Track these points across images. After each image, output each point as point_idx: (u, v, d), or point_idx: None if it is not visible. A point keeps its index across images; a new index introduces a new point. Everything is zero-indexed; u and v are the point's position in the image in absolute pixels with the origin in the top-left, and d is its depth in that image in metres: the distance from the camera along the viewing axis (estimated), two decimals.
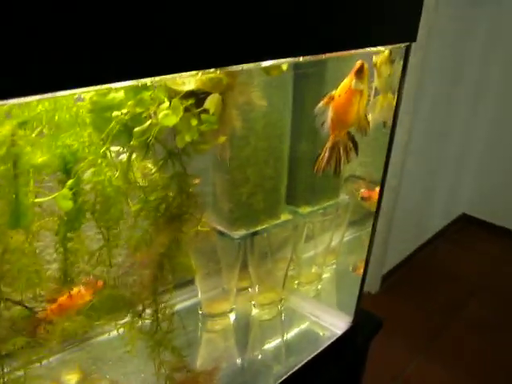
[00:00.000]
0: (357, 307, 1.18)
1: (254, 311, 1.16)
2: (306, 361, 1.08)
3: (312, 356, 1.09)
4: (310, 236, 1.21)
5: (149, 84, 0.64)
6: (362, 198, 1.24)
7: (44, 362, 0.76)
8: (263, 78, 0.86)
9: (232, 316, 1.12)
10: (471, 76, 2.96)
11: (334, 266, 1.31)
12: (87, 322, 0.81)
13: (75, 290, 0.73)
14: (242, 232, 1.01)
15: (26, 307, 0.70)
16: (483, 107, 3.22)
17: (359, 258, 1.26)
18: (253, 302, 1.16)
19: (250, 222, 1.02)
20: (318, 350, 1.11)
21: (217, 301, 1.10)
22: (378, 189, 1.24)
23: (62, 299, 0.73)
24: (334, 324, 1.19)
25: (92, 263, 0.76)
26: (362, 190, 1.24)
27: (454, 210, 3.51)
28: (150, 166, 0.73)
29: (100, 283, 0.76)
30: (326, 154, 0.90)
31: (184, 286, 1.08)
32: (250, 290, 1.16)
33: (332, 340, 1.14)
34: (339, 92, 0.85)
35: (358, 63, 0.84)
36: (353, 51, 0.85)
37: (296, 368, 1.05)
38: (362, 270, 1.18)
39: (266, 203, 1.02)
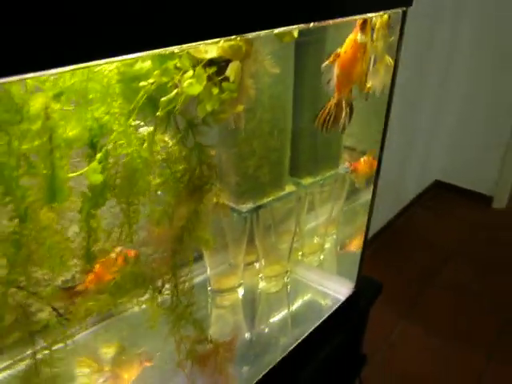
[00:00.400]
0: (359, 273, 1.21)
1: (262, 284, 1.17)
2: (313, 327, 1.11)
3: (319, 322, 1.12)
4: (311, 207, 1.22)
5: (175, 52, 0.64)
6: (348, 171, 1.25)
7: (71, 340, 0.75)
8: (269, 48, 0.87)
9: (240, 291, 1.13)
10: (443, 49, 3.01)
11: (335, 236, 1.33)
12: (111, 299, 0.80)
13: (108, 259, 0.73)
14: (249, 205, 1.02)
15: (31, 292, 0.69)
16: (455, 74, 3.29)
17: (356, 227, 1.29)
18: (260, 276, 1.17)
19: (257, 194, 1.03)
20: (324, 317, 1.14)
21: (225, 276, 1.11)
22: (363, 159, 1.26)
23: (97, 269, 0.72)
24: (338, 291, 1.22)
25: (114, 240, 0.76)
26: (347, 163, 1.25)
27: (428, 178, 3.59)
28: (167, 138, 0.73)
29: (131, 252, 0.75)
30: (332, 112, 0.91)
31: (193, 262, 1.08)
32: (256, 264, 1.17)
33: (337, 306, 1.18)
34: (345, 48, 0.87)
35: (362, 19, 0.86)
36: (352, 17, 0.86)
37: (305, 335, 1.08)
38: (362, 237, 1.20)
39: (272, 175, 1.03)
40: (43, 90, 0.56)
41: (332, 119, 0.92)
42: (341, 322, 1.19)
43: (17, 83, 0.53)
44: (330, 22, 0.81)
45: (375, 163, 1.22)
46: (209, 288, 1.10)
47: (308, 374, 1.08)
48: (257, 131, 0.97)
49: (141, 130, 0.69)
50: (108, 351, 0.91)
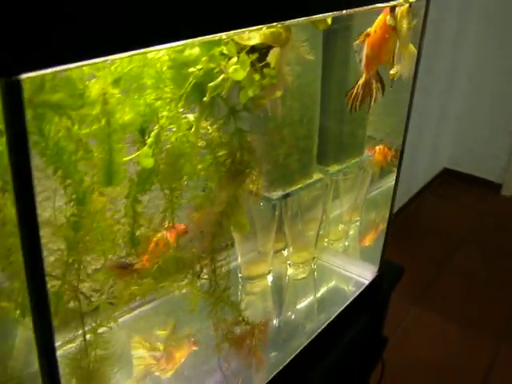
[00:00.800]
0: (382, 257, 1.24)
1: (290, 271, 1.19)
2: (339, 311, 1.15)
3: (344, 306, 1.16)
4: (336, 195, 1.24)
5: (222, 39, 0.66)
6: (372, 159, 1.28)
7: (116, 323, 0.77)
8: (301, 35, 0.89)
9: (270, 277, 1.15)
10: (451, 30, 3.02)
11: (358, 223, 1.35)
12: (153, 284, 0.83)
13: (160, 236, 0.75)
14: (279, 193, 1.04)
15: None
16: (463, 61, 3.30)
17: (377, 213, 1.31)
18: (288, 262, 1.19)
19: (286, 182, 1.05)
20: (349, 300, 1.18)
21: (255, 263, 1.13)
22: (378, 148, 1.28)
23: (151, 247, 0.74)
24: (363, 275, 1.26)
25: (157, 225, 0.78)
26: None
27: (437, 165, 3.60)
28: (209, 124, 0.75)
29: (182, 226, 0.77)
30: (360, 91, 0.93)
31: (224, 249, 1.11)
32: (283, 251, 1.19)
33: (361, 289, 1.22)
34: (374, 27, 0.88)
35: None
36: (377, 5, 0.88)
37: (331, 319, 1.12)
38: (385, 224, 1.22)
39: (300, 163, 1.05)
40: (98, 76, 0.58)
41: (360, 98, 0.94)
42: (365, 305, 1.22)
43: (76, 70, 0.55)
44: (361, 8, 0.84)
45: (389, 153, 1.25)
46: (239, 275, 1.12)
47: (334, 356, 1.10)
48: (287, 119, 0.99)
49: (187, 115, 0.71)
50: (157, 332, 0.93)
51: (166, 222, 0.77)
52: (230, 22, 0.59)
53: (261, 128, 0.98)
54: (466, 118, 3.47)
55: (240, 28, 0.62)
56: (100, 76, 0.57)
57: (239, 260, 1.11)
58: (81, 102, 0.55)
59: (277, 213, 1.08)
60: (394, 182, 1.21)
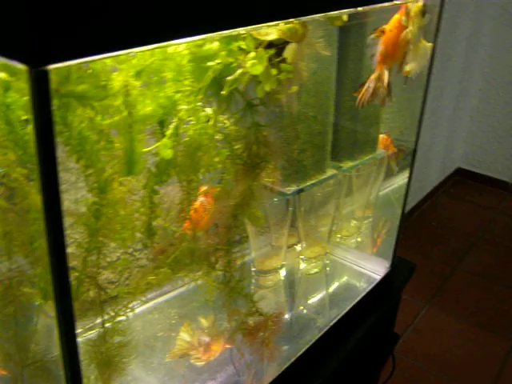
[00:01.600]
0: (394, 253, 1.25)
1: (302, 265, 1.21)
2: (351, 306, 1.16)
3: (356, 301, 1.18)
4: (348, 191, 1.26)
5: (240, 34, 0.67)
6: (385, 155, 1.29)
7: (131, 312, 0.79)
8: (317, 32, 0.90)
9: (282, 271, 1.16)
10: (465, 29, 3.01)
11: (371, 220, 1.37)
12: (170, 274, 0.84)
13: (197, 203, 0.77)
14: (292, 188, 1.05)
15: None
16: (477, 61, 3.29)
17: (392, 211, 1.32)
18: (301, 257, 1.20)
19: (300, 178, 1.06)
20: (361, 295, 1.19)
21: (268, 258, 1.14)
22: (381, 137, 1.28)
23: (193, 215, 0.76)
24: (375, 270, 1.27)
25: (174, 217, 0.80)
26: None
27: (450, 165, 3.60)
28: (224, 118, 0.77)
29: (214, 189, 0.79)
30: (371, 85, 0.94)
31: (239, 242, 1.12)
32: (296, 246, 1.21)
33: (373, 284, 1.24)
34: (390, 26, 0.90)
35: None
36: (391, 3, 0.89)
37: (343, 313, 1.14)
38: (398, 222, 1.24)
39: (314, 159, 1.06)
40: (121, 69, 0.60)
41: (370, 94, 0.95)
42: (377, 300, 1.24)
43: (99, 62, 0.57)
44: (378, 5, 0.85)
45: (392, 145, 1.26)
46: (252, 269, 1.14)
47: (345, 351, 1.11)
48: (302, 115, 1.00)
49: (206, 108, 0.73)
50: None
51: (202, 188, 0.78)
52: (249, 17, 0.61)
53: (276, 123, 0.99)
54: (480, 117, 3.45)
55: (259, 23, 0.64)
56: (122, 68, 0.59)
57: (252, 254, 1.12)
58: (104, 93, 0.57)
59: (291, 208, 1.09)
60: (406, 179, 1.22)
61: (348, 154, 1.16)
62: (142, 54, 0.60)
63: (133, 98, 0.60)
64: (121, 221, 0.69)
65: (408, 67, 1.01)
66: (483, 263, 2.70)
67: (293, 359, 1.01)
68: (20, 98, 0.57)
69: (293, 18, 0.68)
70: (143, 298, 0.81)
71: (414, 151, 1.19)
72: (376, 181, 1.27)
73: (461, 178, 3.62)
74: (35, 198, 0.62)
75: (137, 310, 0.83)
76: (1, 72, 0.58)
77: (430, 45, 1.01)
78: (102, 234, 0.66)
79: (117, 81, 0.58)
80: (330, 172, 1.11)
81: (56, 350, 0.58)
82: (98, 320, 0.74)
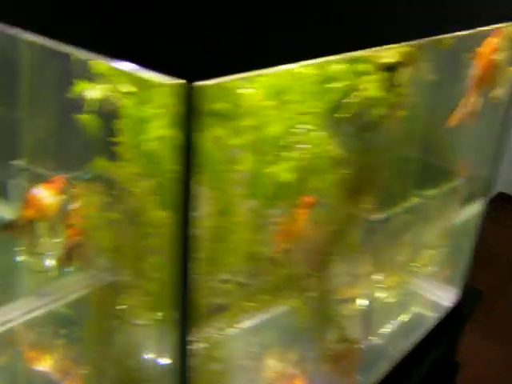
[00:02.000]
0: (465, 282, 1.28)
1: (378, 294, 1.18)
2: (424, 334, 1.16)
3: (430, 329, 1.17)
4: (427, 219, 1.23)
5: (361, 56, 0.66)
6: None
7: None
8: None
9: (360, 300, 1.14)
10: None
11: (446, 248, 1.34)
12: (267, 301, 0.83)
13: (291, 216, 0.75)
14: (379, 215, 1.03)
15: None
16: None
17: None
18: (379, 285, 1.17)
19: (386, 205, 1.04)
20: (433, 324, 1.19)
21: (347, 286, 1.12)
22: None
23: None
24: (446, 299, 1.27)
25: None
26: None
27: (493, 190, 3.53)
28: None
29: (311, 199, 0.76)
30: (465, 109, 0.93)
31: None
32: (374, 274, 1.18)
33: (445, 311, 1.24)
34: (486, 49, 0.89)
35: None
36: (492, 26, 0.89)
37: (415, 343, 1.13)
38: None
39: (401, 185, 1.04)
40: (254, 88, 0.59)
41: (464, 115, 0.94)
42: (446, 328, 1.23)
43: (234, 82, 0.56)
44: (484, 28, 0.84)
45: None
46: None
47: (415, 380, 1.09)
48: (402, 141, 0.98)
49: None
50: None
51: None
52: (374, 39, 0.60)
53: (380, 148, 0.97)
54: None
55: (382, 45, 0.63)
56: (256, 88, 0.58)
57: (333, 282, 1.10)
58: (241, 111, 0.57)
59: (376, 236, 1.07)
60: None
61: (430, 182, 1.14)
62: (270, 75, 0.59)
63: (265, 119, 0.59)
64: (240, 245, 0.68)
65: (496, 92, 0.99)
66: None
67: None
68: (157, 112, 0.56)
69: (415, 39, 0.67)
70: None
71: (493, 179, 1.17)
72: (454, 209, 1.24)
73: (503, 202, 3.53)
74: (154, 213, 0.61)
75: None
76: (127, 85, 0.58)
77: None
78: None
79: (252, 100, 0.57)
80: (413, 200, 1.09)
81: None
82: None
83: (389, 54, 0.70)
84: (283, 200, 0.71)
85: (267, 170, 0.64)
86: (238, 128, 0.59)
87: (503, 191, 3.56)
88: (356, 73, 0.67)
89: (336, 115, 0.69)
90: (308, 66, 0.63)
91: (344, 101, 0.68)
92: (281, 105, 0.62)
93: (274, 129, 0.61)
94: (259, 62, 0.48)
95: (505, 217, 3.36)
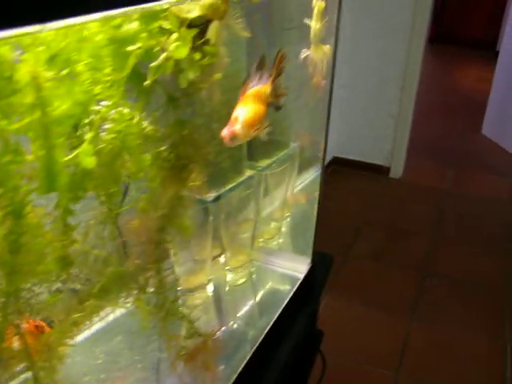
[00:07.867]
0: (313, 249, 1.24)
1: (229, 277, 1.12)
2: (279, 312, 1.10)
3: (285, 303, 1.12)
4: (265, 192, 1.18)
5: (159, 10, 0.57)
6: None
7: None
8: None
9: (210, 287, 1.06)
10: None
11: (289, 219, 1.31)
12: (97, 305, 0.72)
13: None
14: (211, 194, 0.96)
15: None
16: (343, 48, 3.37)
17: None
18: (227, 268, 1.11)
19: (218, 182, 0.97)
20: (289, 296, 1.14)
21: (193, 274, 1.04)
22: None
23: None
24: (297, 269, 1.22)
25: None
26: None
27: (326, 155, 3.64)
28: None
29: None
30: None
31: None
32: (220, 258, 1.12)
33: (297, 285, 1.18)
34: None
35: None
36: None
37: (274, 319, 1.07)
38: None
39: (231, 161, 0.98)
40: (26, 58, 0.47)
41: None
42: (303, 301, 1.20)
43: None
44: None
45: None
46: (178, 288, 1.02)
47: (283, 359, 1.05)
48: (215, 114, 0.91)
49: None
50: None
51: None
52: None
53: (197, 119, 0.89)
54: (348, 105, 3.52)
55: None
56: (28, 56, 0.47)
57: (176, 272, 1.01)
58: (10, 87, 0.45)
59: (211, 216, 0.99)
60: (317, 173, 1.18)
61: (263, 152, 1.09)
62: (54, 36, 0.48)
63: (46, 94, 0.48)
64: (39, 251, 0.56)
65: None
66: (371, 245, 2.77)
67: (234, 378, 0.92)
68: None
69: None
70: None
71: (325, 145, 1.15)
72: (291, 176, 1.21)
73: (337, 166, 3.66)
74: None
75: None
76: None
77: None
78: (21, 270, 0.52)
79: (23, 71, 0.46)
80: (248, 173, 1.03)
81: None
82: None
83: (194, 7, 0.61)
84: (91, 190, 0.60)
85: (63, 157, 0.53)
86: (12, 108, 0.47)
87: (337, 155, 3.70)
88: (157, 32, 0.58)
89: (146, 83, 0.59)
90: (90, 22, 0.52)
91: (151, 65, 0.58)
92: (67, 75, 0.51)
93: (63, 105, 0.50)
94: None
95: (341, 180, 3.50)
